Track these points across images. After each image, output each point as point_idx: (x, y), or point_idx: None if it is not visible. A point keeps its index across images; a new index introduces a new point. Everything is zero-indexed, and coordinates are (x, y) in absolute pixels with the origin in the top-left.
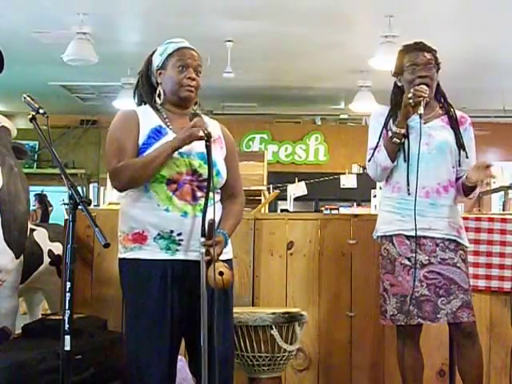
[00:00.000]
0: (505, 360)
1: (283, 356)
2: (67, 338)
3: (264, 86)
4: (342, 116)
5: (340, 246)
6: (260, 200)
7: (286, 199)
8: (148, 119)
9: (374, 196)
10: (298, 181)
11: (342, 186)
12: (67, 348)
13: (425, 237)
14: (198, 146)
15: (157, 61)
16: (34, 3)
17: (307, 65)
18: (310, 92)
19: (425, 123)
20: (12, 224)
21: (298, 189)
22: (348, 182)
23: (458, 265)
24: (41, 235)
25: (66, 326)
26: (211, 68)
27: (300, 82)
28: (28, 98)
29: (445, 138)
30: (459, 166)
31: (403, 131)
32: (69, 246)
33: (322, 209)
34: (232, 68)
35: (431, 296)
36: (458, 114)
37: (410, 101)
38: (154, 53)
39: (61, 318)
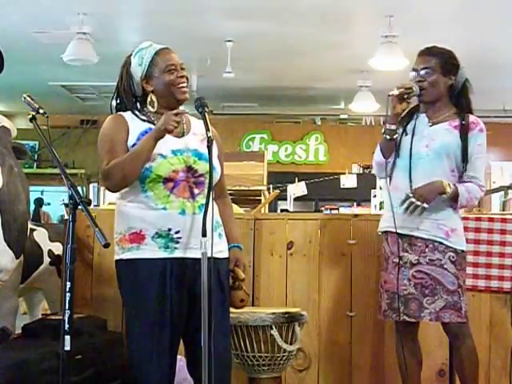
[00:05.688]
0: (505, 360)
1: (283, 356)
2: (67, 338)
3: (264, 86)
4: (341, 116)
5: (340, 246)
6: (260, 200)
7: (286, 199)
8: (136, 123)
9: (374, 196)
10: (298, 181)
11: (341, 186)
12: (67, 348)
13: (415, 237)
14: (192, 143)
15: (138, 72)
16: (34, 3)
17: (307, 65)
18: (310, 92)
19: (430, 126)
20: (12, 224)
21: (297, 189)
22: (348, 182)
23: (446, 266)
24: (41, 235)
25: (66, 326)
26: (211, 68)
27: (300, 81)
28: (28, 98)
29: (445, 142)
30: (465, 171)
31: (393, 127)
32: (69, 246)
33: (322, 209)
34: (232, 68)
35: (417, 295)
36: (471, 118)
37: (391, 93)
38: (127, 65)
39: (61, 318)
